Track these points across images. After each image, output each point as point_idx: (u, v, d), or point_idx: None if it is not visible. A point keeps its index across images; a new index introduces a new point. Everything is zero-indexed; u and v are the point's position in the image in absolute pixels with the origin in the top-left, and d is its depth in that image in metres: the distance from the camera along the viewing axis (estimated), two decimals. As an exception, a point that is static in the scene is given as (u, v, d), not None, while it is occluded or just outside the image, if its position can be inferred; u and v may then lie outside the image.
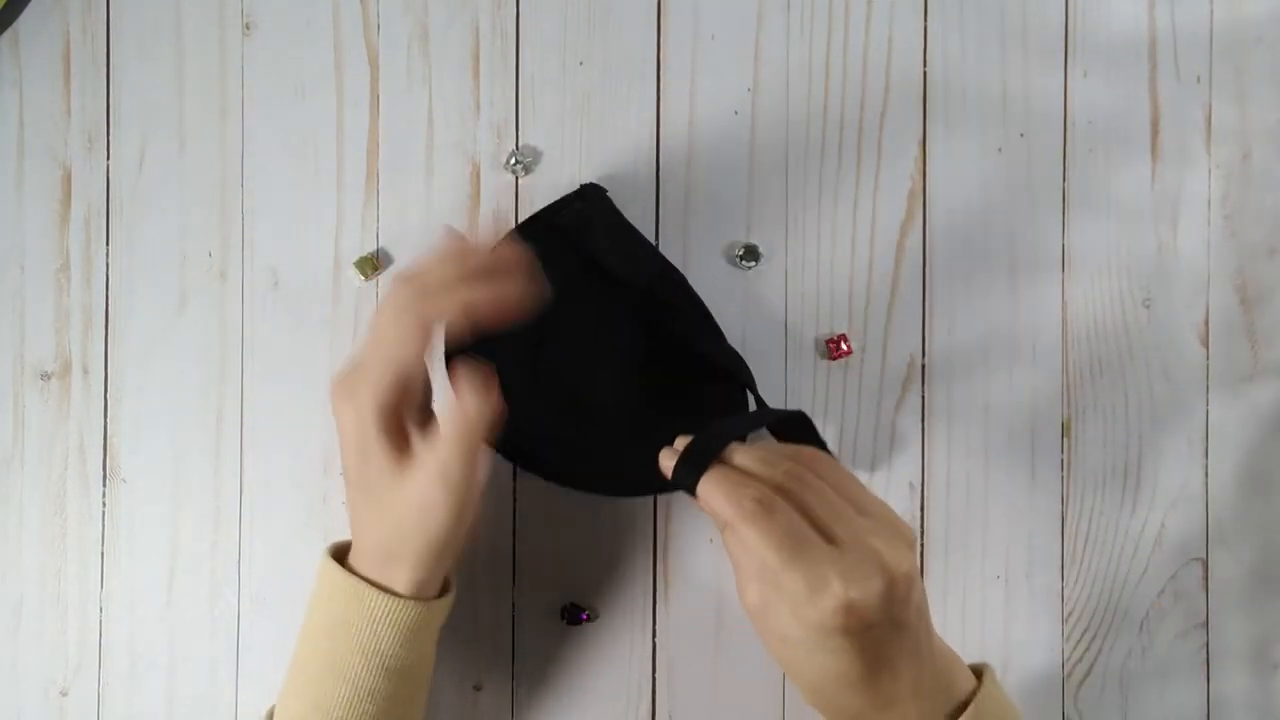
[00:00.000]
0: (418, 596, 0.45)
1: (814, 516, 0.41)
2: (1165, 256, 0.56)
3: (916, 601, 0.42)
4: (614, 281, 0.53)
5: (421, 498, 0.43)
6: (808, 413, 0.51)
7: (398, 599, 0.44)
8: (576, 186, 0.54)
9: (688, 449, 0.44)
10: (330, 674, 0.44)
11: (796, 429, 0.50)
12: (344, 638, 0.44)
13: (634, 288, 0.53)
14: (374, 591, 0.44)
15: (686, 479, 0.43)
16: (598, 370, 0.52)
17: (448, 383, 0.51)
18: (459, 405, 0.43)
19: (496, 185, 0.55)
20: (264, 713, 0.48)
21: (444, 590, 0.47)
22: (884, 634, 0.41)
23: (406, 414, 0.44)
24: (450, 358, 0.51)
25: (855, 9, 0.56)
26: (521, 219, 0.55)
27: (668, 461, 0.45)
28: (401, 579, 0.45)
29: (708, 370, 0.52)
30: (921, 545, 0.55)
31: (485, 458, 0.45)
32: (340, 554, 0.47)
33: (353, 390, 0.43)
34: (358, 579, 0.45)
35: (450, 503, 0.43)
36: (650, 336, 0.53)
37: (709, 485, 0.42)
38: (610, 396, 0.52)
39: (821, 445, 0.50)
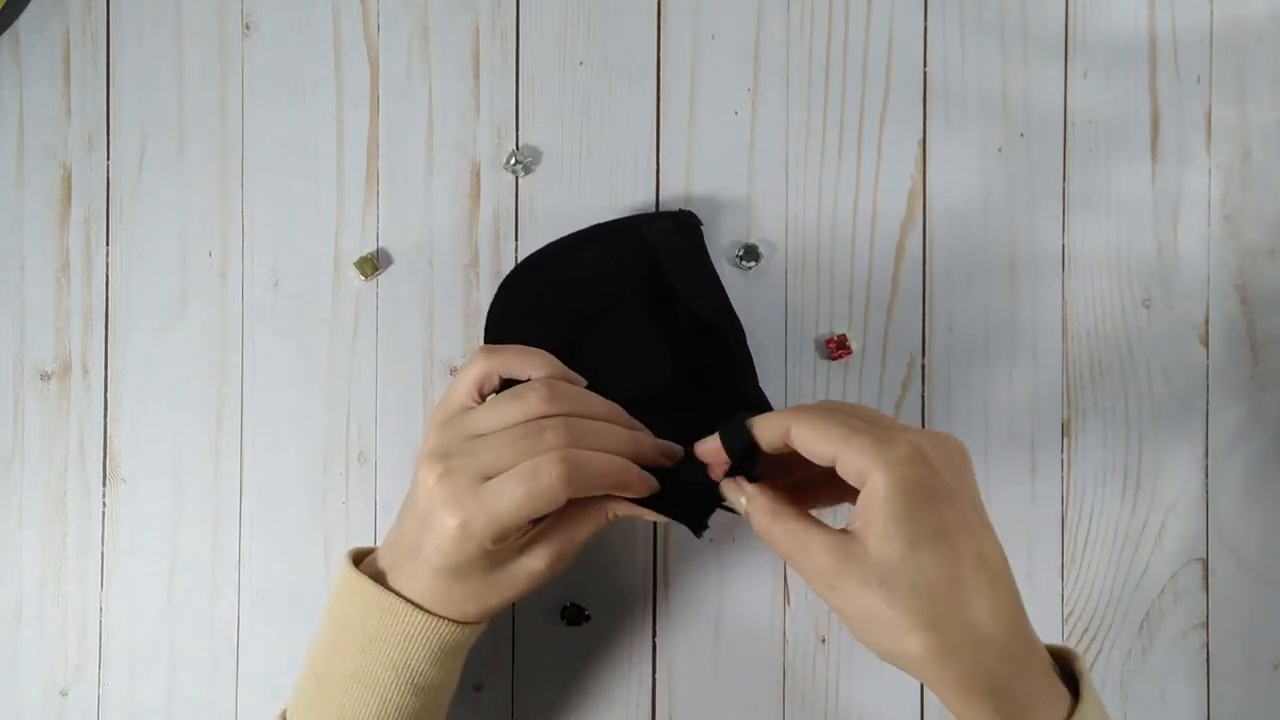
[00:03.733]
0: (455, 618, 0.44)
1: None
2: (1165, 256, 0.56)
3: (975, 483, 0.42)
4: (671, 309, 0.53)
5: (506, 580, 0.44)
6: None
7: (432, 618, 0.44)
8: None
9: (725, 425, 0.44)
10: (360, 687, 0.44)
11: None
12: (375, 653, 0.44)
13: (686, 321, 0.52)
14: (409, 608, 0.44)
15: (737, 434, 0.43)
16: (623, 392, 0.51)
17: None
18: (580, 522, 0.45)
19: (496, 185, 0.55)
20: (275, 716, 0.48)
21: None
22: (951, 508, 0.40)
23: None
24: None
25: (855, 9, 0.56)
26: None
27: (707, 445, 0.45)
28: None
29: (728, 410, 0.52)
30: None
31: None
32: (357, 560, 0.46)
33: (476, 504, 0.41)
34: (393, 595, 0.44)
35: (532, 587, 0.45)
36: (685, 368, 0.53)
37: (781, 419, 0.42)
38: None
39: None
